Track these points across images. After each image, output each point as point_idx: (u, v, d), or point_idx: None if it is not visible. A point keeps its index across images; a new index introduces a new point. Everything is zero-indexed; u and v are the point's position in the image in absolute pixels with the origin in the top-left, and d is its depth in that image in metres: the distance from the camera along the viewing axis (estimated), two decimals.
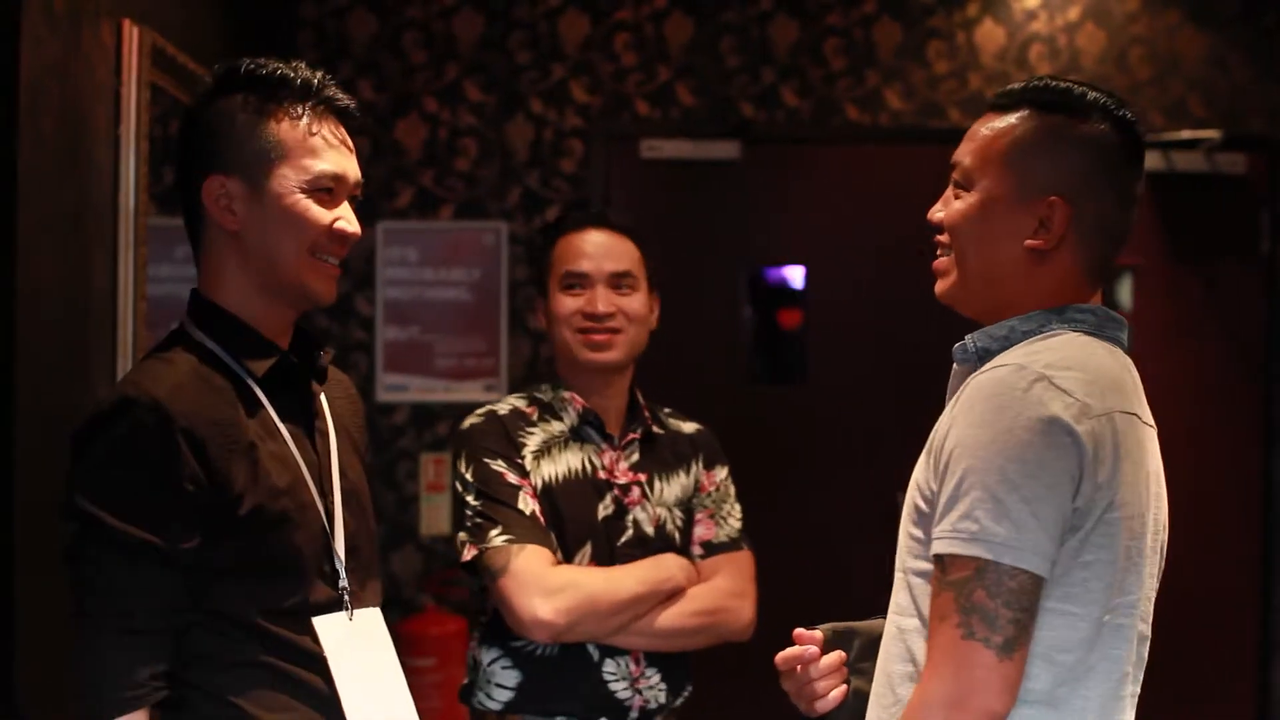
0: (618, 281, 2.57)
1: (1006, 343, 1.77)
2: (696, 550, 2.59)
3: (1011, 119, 1.81)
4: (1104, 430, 1.66)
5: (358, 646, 1.92)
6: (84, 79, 2.50)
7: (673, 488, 2.60)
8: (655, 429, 2.64)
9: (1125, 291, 5.06)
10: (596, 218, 2.64)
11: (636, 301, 2.58)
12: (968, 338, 1.81)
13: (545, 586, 2.39)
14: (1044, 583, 1.63)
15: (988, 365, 1.73)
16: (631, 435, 2.60)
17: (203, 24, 3.44)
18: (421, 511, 4.75)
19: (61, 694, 2.36)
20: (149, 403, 1.76)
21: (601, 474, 2.56)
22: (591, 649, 2.47)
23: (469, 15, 4.77)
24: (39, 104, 2.27)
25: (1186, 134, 4.88)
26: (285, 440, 1.90)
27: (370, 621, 1.96)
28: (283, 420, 1.91)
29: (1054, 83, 1.83)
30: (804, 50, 4.85)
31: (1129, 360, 1.81)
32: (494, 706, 2.50)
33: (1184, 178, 4.93)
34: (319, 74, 1.93)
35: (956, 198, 1.83)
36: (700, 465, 2.64)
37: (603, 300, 2.55)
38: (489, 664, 2.51)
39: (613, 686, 2.48)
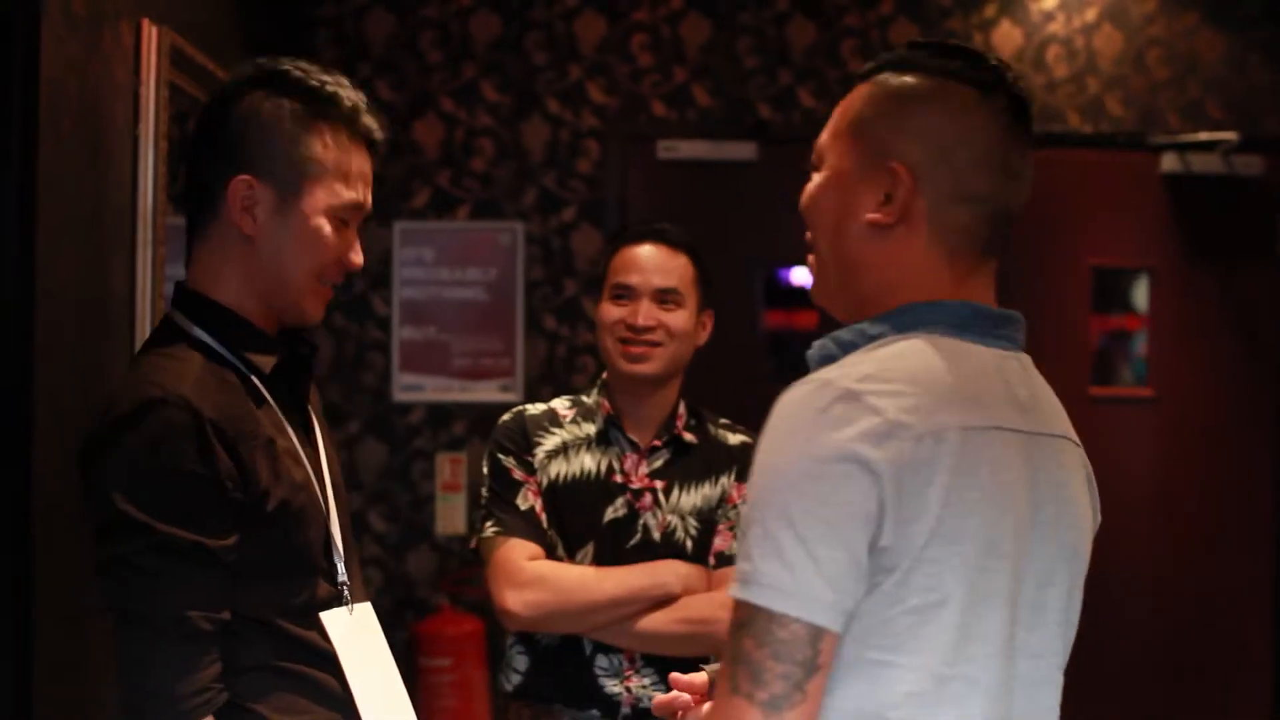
0: (663, 296, 2.61)
1: (852, 348, 1.52)
2: (711, 560, 2.60)
3: (864, 88, 1.58)
4: (923, 452, 1.40)
5: (359, 640, 1.93)
6: (103, 79, 2.51)
7: (693, 497, 2.62)
8: (690, 438, 2.65)
9: (1142, 293, 5.05)
10: (655, 233, 2.68)
11: (680, 318, 2.62)
12: (815, 343, 1.57)
13: (515, 579, 2.49)
14: (827, 634, 1.39)
15: (800, 380, 1.47)
16: (656, 442, 2.63)
17: (221, 24, 3.45)
18: (437, 511, 4.76)
19: (78, 705, 2.38)
20: (178, 401, 1.74)
21: (618, 477, 2.60)
22: (585, 643, 2.54)
23: (486, 16, 4.77)
24: (58, 104, 2.28)
25: (1204, 135, 4.88)
26: (291, 436, 1.90)
27: (366, 615, 1.97)
28: (284, 415, 1.92)
29: (915, 43, 1.61)
30: (821, 51, 4.85)
31: (1013, 361, 1.55)
32: (508, 688, 2.61)
33: (1201, 179, 4.93)
34: (361, 97, 1.94)
35: (810, 181, 1.62)
36: (732, 477, 2.64)
37: (644, 314, 2.59)
38: (509, 647, 2.62)
39: (602, 681, 2.53)
